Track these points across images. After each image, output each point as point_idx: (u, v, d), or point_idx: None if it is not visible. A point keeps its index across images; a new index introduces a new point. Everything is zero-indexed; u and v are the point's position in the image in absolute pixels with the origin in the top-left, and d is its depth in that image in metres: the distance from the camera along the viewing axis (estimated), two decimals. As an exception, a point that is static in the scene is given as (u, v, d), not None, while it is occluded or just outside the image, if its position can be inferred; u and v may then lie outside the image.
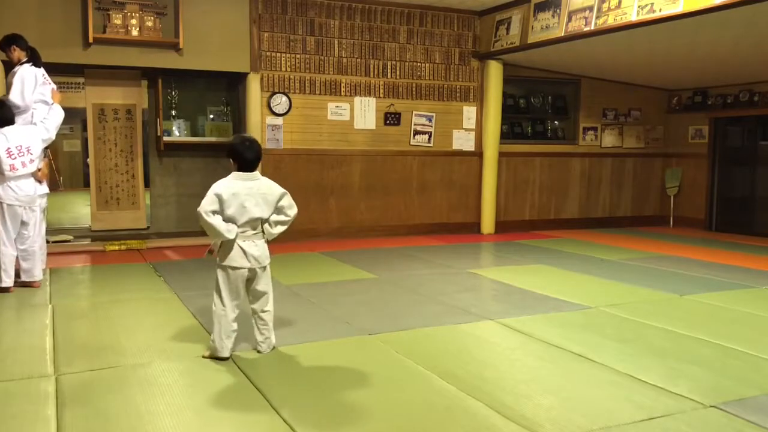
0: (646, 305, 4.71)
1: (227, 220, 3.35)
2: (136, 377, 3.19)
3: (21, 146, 4.93)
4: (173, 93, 7.92)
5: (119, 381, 3.13)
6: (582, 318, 4.36)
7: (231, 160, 3.45)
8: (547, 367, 3.39)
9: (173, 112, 7.92)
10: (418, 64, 8.33)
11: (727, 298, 4.98)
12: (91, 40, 6.70)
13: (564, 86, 9.36)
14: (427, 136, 8.46)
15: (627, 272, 5.98)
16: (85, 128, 11.08)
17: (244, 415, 2.77)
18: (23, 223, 5.06)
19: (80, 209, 11.31)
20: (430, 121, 8.45)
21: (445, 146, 8.58)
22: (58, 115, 5.31)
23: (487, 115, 8.55)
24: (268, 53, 7.63)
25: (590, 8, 6.68)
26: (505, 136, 8.85)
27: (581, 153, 9.39)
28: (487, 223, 8.69)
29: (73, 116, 11.97)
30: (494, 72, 8.47)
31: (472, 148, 8.70)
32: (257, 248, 3.43)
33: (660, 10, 5.90)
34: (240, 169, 3.42)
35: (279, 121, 7.71)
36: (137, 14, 6.90)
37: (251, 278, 3.47)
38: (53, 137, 5.30)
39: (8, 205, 4.95)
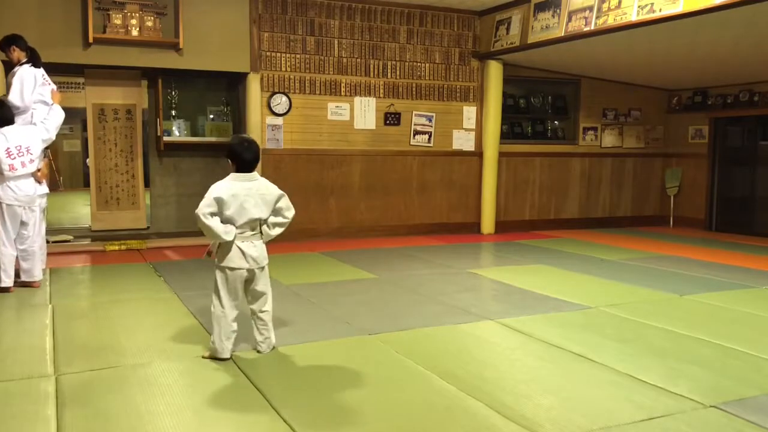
0: (646, 305, 4.71)
1: (226, 220, 3.35)
2: (136, 377, 3.19)
3: (21, 146, 4.93)
4: (173, 93, 7.92)
5: (119, 381, 3.13)
6: (582, 318, 4.36)
7: (229, 160, 3.45)
8: (547, 367, 3.39)
9: (173, 112, 7.92)
10: (418, 64, 8.33)
11: (727, 298, 4.98)
12: (91, 40, 6.71)
13: (564, 86, 9.36)
14: (427, 136, 8.46)
15: (627, 272, 5.98)
16: (85, 128, 11.09)
17: (244, 415, 2.77)
18: (23, 224, 5.06)
19: (80, 209, 11.31)
20: (430, 121, 8.45)
21: (445, 146, 8.58)
22: (59, 115, 5.31)
23: (487, 115, 8.55)
24: (268, 53, 7.63)
25: (590, 8, 6.68)
26: (505, 136, 8.85)
27: (581, 153, 9.39)
28: (487, 223, 8.69)
29: (73, 116, 11.97)
30: (494, 72, 8.47)
31: (472, 148, 8.70)
32: (255, 249, 3.43)
33: (660, 10, 5.90)
34: (238, 170, 3.41)
35: (279, 121, 7.70)
36: (137, 14, 6.90)
37: (250, 279, 3.47)
38: (53, 138, 5.30)
39: (8, 205, 4.95)
